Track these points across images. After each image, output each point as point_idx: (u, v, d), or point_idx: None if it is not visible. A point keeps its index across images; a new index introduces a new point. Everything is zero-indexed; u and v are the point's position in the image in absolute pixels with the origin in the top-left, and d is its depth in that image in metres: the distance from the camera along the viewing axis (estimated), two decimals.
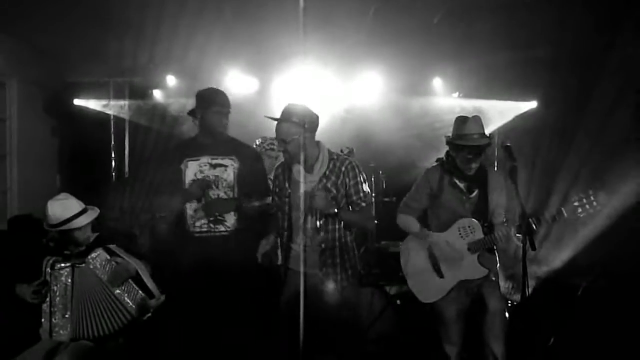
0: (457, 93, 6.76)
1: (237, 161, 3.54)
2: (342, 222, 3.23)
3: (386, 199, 5.84)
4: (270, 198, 3.50)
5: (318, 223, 3.18)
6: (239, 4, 4.90)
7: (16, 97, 5.76)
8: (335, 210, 3.14)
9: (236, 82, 6.18)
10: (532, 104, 6.72)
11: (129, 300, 3.30)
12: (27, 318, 3.34)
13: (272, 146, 4.63)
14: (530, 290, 2.98)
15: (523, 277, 2.79)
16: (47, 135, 6.37)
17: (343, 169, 3.20)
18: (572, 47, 5.62)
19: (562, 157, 6.32)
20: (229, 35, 5.30)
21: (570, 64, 5.88)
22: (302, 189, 3.19)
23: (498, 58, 5.77)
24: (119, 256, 3.35)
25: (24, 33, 5.42)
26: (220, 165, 3.52)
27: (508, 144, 3.15)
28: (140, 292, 3.34)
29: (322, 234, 3.19)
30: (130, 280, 3.34)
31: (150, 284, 3.38)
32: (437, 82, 6.60)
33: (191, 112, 3.62)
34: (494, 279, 3.39)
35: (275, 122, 3.18)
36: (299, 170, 3.19)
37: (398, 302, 4.57)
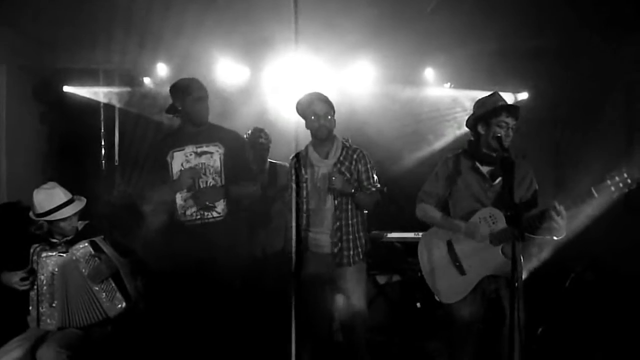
0: (449, 83, 6.75)
1: (222, 147, 3.54)
2: (355, 204, 3.52)
3: None
4: (258, 184, 3.74)
5: (335, 202, 3.49)
6: None
7: (5, 84, 5.68)
8: (352, 190, 3.45)
9: (227, 70, 6.14)
10: (523, 95, 6.73)
11: (105, 300, 3.29)
12: (15, 306, 3.34)
13: (261, 139, 4.56)
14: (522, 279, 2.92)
15: (513, 268, 2.71)
16: (36, 122, 6.30)
17: (355, 156, 3.56)
18: (563, 38, 5.62)
19: (553, 148, 6.36)
20: (220, 23, 5.25)
21: (560, 56, 5.89)
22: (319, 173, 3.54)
23: (490, 49, 5.76)
24: (104, 252, 3.34)
25: (13, 19, 5.34)
26: (206, 152, 3.51)
27: (499, 135, 3.03)
28: (117, 292, 3.34)
29: (337, 212, 3.50)
30: (110, 279, 3.33)
31: (128, 285, 3.38)
32: (429, 73, 6.57)
33: (170, 109, 3.61)
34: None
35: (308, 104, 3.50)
36: (316, 156, 3.56)
37: (418, 305, 4.65)
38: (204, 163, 3.50)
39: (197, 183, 3.47)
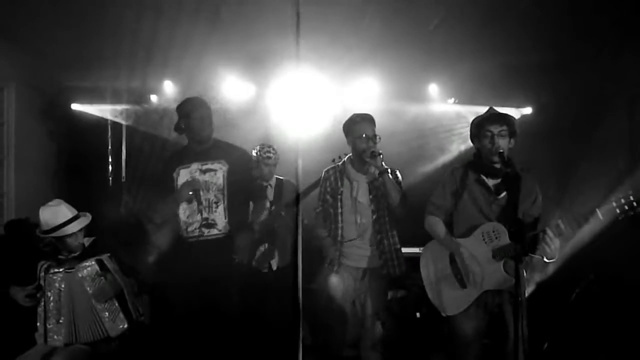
0: (453, 99, 6.78)
1: (226, 164, 3.59)
2: (386, 195, 3.62)
3: None
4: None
5: (374, 216, 3.66)
6: (235, 9, 4.93)
7: (14, 101, 5.77)
8: (388, 169, 3.59)
9: (233, 87, 6.20)
10: (527, 110, 6.75)
11: (107, 319, 3.33)
12: (24, 322, 3.36)
13: (269, 154, 4.53)
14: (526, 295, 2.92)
15: (516, 284, 2.66)
16: (44, 140, 6.37)
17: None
18: (565, 52, 5.65)
19: (557, 162, 6.36)
20: (226, 41, 5.31)
21: (563, 69, 5.92)
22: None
23: (493, 64, 5.80)
24: (109, 271, 3.38)
25: (23, 37, 5.43)
26: (210, 170, 3.57)
27: (501, 151, 3.04)
28: (120, 313, 3.37)
29: (377, 226, 3.67)
30: (114, 299, 3.36)
31: (131, 306, 3.41)
32: (433, 88, 6.61)
33: (176, 127, 3.67)
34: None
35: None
36: (354, 172, 3.74)
37: (418, 314, 4.73)
38: (207, 180, 3.55)
39: (199, 196, 3.51)
